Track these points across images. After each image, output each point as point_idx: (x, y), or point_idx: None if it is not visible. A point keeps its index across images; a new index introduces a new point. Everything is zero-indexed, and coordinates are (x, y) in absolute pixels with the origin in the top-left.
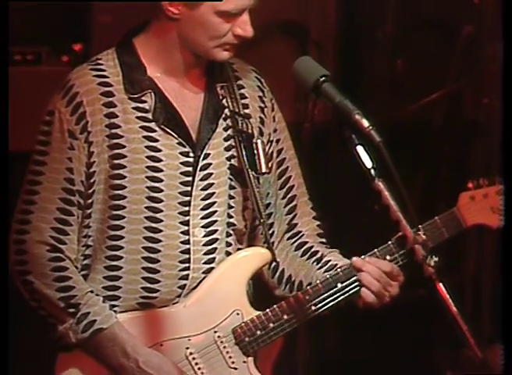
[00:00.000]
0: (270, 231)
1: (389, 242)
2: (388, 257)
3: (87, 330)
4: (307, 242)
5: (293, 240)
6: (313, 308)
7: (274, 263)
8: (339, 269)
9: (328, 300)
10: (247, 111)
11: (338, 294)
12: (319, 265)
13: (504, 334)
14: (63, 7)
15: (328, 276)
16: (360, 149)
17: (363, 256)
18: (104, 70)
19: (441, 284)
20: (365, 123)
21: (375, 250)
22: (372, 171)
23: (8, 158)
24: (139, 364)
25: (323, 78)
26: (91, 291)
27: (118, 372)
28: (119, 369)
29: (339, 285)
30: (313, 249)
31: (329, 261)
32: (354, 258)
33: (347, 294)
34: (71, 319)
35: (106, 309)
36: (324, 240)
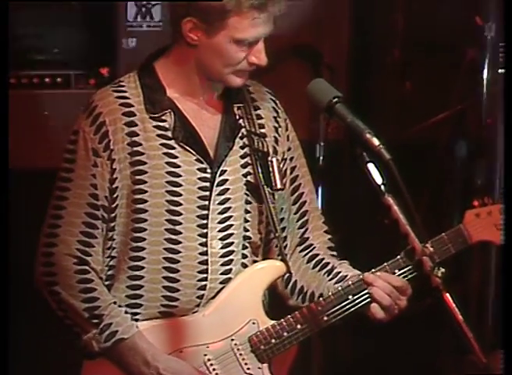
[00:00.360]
0: (284, 244)
1: (398, 257)
2: (397, 271)
3: (110, 340)
4: (318, 254)
5: (305, 252)
6: (325, 318)
7: (287, 275)
8: (350, 282)
9: (340, 311)
10: (262, 130)
11: (349, 306)
12: (330, 276)
13: (504, 339)
14: (91, 33)
15: (340, 288)
16: (370, 166)
17: (373, 270)
18: (125, 92)
19: (447, 294)
20: (376, 141)
21: (385, 264)
22: (382, 187)
23: (33, 172)
24: (159, 371)
25: (336, 99)
26: (114, 302)
27: None
28: None
29: (351, 297)
30: (324, 261)
31: (340, 272)
32: (366, 274)
33: (358, 306)
34: (94, 329)
35: (128, 320)
36: (334, 253)
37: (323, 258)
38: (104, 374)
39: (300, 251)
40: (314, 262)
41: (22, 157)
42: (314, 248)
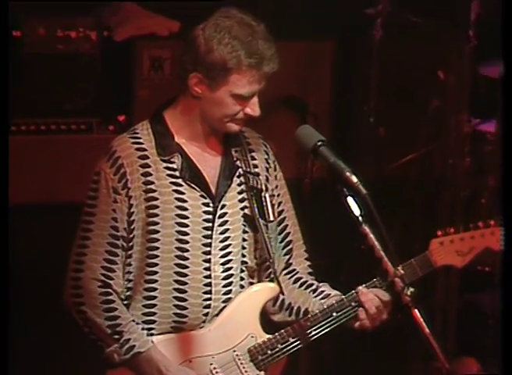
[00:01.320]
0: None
1: (374, 279)
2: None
3: (128, 353)
4: (301, 277)
5: (290, 275)
6: (313, 332)
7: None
8: (334, 301)
9: (325, 326)
10: (256, 170)
11: (333, 322)
12: (315, 294)
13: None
14: (110, 85)
15: (325, 306)
16: (349, 200)
17: (354, 291)
18: (140, 138)
19: (416, 310)
20: (354, 178)
21: (364, 285)
22: (360, 218)
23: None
24: None
25: (320, 142)
26: (133, 320)
27: None
28: None
29: (334, 314)
30: (308, 282)
31: (324, 291)
32: (360, 287)
33: (340, 322)
34: (116, 343)
35: (144, 336)
36: (313, 277)
37: (307, 280)
38: None
39: (286, 275)
40: (299, 283)
41: (50, 192)
42: (298, 272)
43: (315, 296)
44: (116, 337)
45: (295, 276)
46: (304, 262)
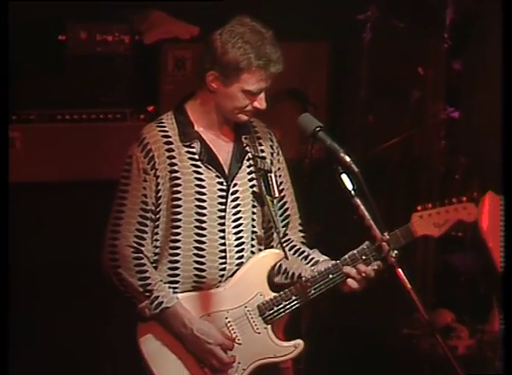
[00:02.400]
0: (271, 237)
1: (364, 246)
2: (363, 257)
3: (157, 308)
4: (295, 245)
5: (286, 244)
6: (312, 291)
7: None
8: (330, 265)
9: (323, 286)
10: (263, 154)
11: (329, 282)
12: (306, 260)
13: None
14: (141, 82)
15: (323, 269)
16: (343, 177)
17: (345, 256)
18: (165, 126)
19: (399, 269)
20: (347, 158)
21: (355, 251)
22: (352, 192)
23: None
24: (193, 331)
25: (318, 128)
26: (161, 280)
27: (179, 337)
28: (180, 335)
29: (331, 276)
30: (301, 250)
31: (313, 258)
32: (344, 268)
33: (335, 282)
34: (147, 300)
35: (170, 293)
36: (305, 246)
37: (300, 248)
38: (154, 333)
39: (283, 243)
40: (293, 250)
41: (92, 170)
42: (293, 241)
43: (306, 263)
44: (147, 294)
45: (290, 245)
46: (298, 233)
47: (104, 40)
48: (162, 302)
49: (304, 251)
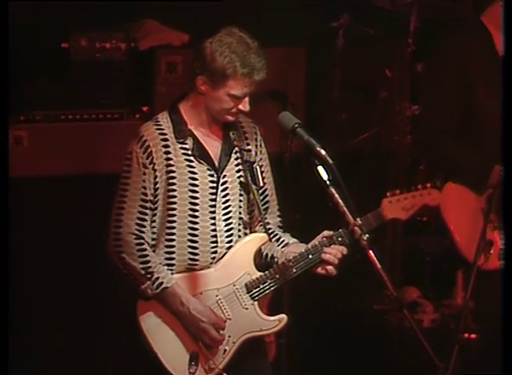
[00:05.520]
0: (257, 223)
1: (340, 230)
2: (340, 238)
3: (158, 288)
4: (270, 228)
5: (262, 227)
6: (294, 270)
7: None
8: (309, 246)
9: (303, 265)
10: (248, 147)
11: (308, 262)
12: (278, 242)
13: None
14: (136, 84)
15: (303, 250)
16: (320, 168)
17: (324, 238)
18: (161, 125)
19: (370, 251)
20: (323, 152)
21: (331, 234)
22: (327, 182)
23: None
24: (190, 310)
25: (297, 125)
26: (160, 263)
27: (177, 315)
28: (178, 312)
29: (310, 256)
30: (274, 233)
31: (284, 240)
32: (325, 233)
33: (314, 262)
34: (148, 281)
35: (169, 275)
36: (281, 230)
37: (274, 231)
38: (154, 310)
39: (260, 226)
40: (268, 233)
41: (91, 165)
42: (269, 224)
43: (278, 245)
44: (148, 276)
45: (266, 228)
46: (276, 218)
47: (103, 47)
48: (162, 283)
49: (276, 234)
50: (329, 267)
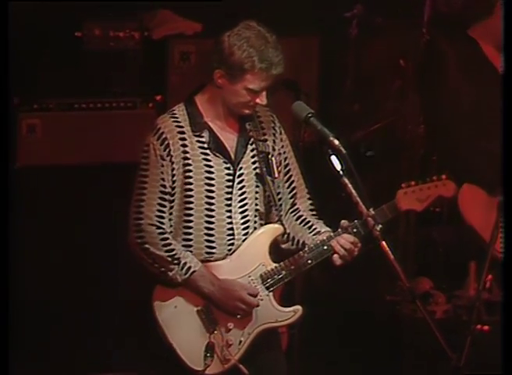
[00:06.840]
0: (281, 212)
1: (355, 221)
2: (355, 230)
3: (187, 273)
4: (302, 215)
5: (293, 214)
6: (309, 261)
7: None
8: (324, 237)
9: (318, 256)
10: (265, 137)
11: (324, 253)
12: (310, 230)
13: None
14: (150, 73)
15: (318, 241)
16: (333, 158)
17: (340, 228)
18: (178, 118)
19: (383, 242)
20: (336, 142)
21: (346, 225)
22: (340, 172)
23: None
24: (220, 286)
25: (310, 114)
26: (184, 250)
27: (209, 297)
28: (210, 294)
29: (325, 247)
30: (306, 220)
31: (316, 228)
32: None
33: (329, 253)
34: (176, 267)
35: (194, 259)
36: (315, 212)
37: (306, 218)
38: (169, 299)
39: (291, 213)
40: (300, 220)
41: (105, 153)
42: (300, 210)
43: (310, 232)
44: (176, 262)
45: (297, 214)
46: (306, 201)
47: (117, 36)
48: (191, 267)
49: (309, 222)
50: (334, 256)
